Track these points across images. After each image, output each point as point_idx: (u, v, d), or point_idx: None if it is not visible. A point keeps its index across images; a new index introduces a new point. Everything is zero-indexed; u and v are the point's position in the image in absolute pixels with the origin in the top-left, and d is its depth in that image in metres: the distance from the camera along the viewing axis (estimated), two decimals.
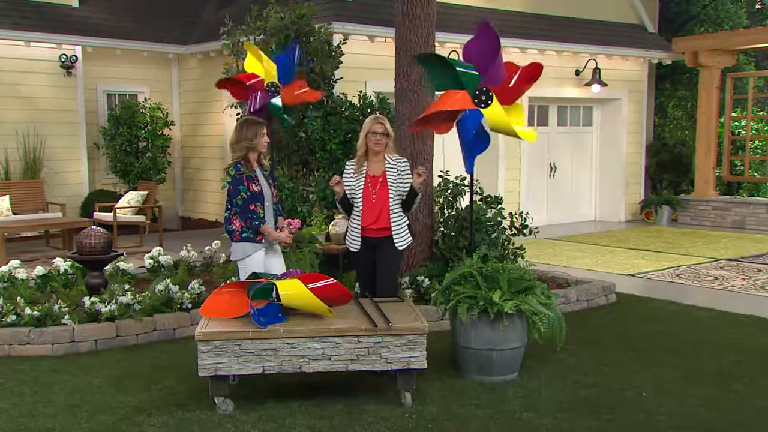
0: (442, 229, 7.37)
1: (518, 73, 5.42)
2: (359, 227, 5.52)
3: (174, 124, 13.18)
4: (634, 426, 4.49)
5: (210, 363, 4.55)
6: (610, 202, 14.62)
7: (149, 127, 12.32)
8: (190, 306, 6.49)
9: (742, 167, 14.52)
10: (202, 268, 8.03)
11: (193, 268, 7.96)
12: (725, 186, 14.83)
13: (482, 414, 4.63)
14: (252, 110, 6.99)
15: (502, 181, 12.72)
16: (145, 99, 12.87)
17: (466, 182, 7.39)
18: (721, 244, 11.66)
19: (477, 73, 5.37)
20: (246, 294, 4.69)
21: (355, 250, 5.59)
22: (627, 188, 14.53)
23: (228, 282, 5.70)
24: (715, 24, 16.52)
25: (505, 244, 7.36)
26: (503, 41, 5.57)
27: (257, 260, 5.41)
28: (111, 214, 10.66)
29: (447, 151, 10.27)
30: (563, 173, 14.17)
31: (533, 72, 5.41)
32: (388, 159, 5.50)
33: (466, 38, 5.68)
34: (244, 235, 5.41)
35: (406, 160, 5.66)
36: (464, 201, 7.28)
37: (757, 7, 18.72)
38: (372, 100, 9.25)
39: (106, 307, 6.12)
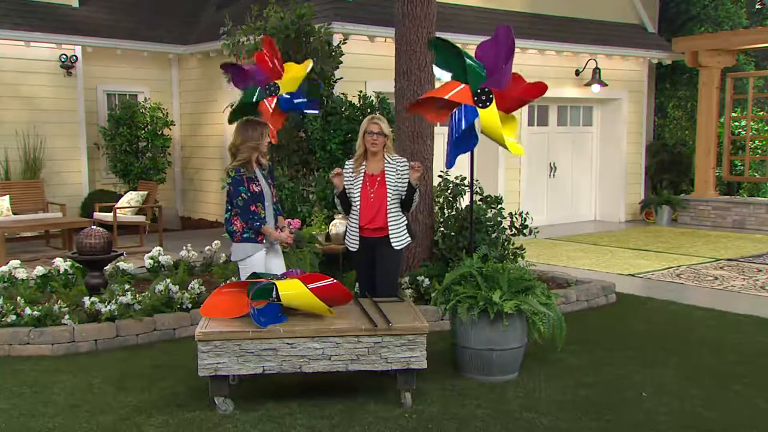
0: (442, 229, 7.36)
1: (523, 86, 5.44)
2: (357, 226, 5.52)
3: (174, 124, 13.19)
4: (634, 426, 4.49)
5: (210, 363, 4.55)
6: (610, 202, 14.61)
7: (149, 127, 12.32)
8: (190, 306, 6.49)
9: (742, 167, 14.52)
10: (202, 268, 8.03)
11: (193, 268, 7.97)
12: (725, 186, 14.84)
13: (482, 414, 4.62)
14: (247, 81, 6.81)
15: (502, 181, 12.73)
16: (145, 99, 12.87)
17: (466, 182, 7.39)
18: (721, 244, 11.66)
19: (484, 72, 5.37)
20: (246, 294, 4.68)
21: (354, 250, 5.59)
22: (627, 188, 14.52)
23: (228, 282, 5.70)
24: (715, 24, 16.53)
25: (505, 244, 7.36)
26: None
27: (258, 260, 5.42)
28: (111, 214, 10.66)
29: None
30: (563, 173, 14.17)
31: (537, 90, 5.43)
32: (387, 158, 5.50)
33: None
34: (245, 235, 5.40)
35: (405, 159, 5.65)
36: (464, 201, 7.28)
37: (757, 7, 18.73)
38: (372, 100, 9.25)
39: (106, 307, 6.12)
